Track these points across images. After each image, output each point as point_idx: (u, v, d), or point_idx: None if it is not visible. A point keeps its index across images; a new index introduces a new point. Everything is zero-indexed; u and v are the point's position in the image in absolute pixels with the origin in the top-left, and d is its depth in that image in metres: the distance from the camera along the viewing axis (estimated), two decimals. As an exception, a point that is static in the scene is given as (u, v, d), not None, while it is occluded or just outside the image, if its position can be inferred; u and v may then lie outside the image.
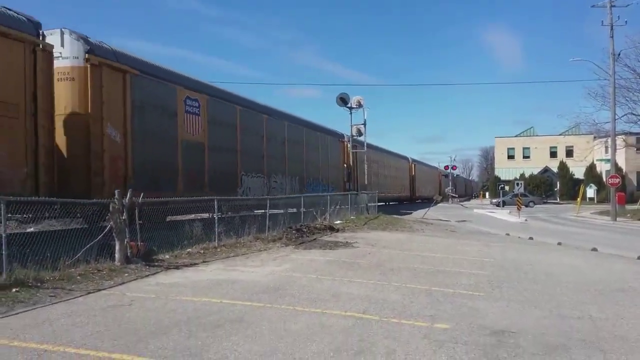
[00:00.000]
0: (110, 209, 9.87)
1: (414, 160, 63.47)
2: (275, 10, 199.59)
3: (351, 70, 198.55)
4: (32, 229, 12.21)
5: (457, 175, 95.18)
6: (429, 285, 8.79)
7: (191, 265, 10.60)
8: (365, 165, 32.42)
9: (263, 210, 17.03)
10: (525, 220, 31.48)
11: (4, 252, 7.75)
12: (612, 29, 31.32)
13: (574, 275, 10.33)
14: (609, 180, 33.12)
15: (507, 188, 56.94)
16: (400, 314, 6.77)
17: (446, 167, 77.26)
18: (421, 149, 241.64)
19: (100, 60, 13.57)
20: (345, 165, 32.56)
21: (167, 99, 16.39)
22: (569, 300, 7.86)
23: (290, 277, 9.35)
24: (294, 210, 20.30)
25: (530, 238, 19.28)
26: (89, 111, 13.24)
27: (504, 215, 36.33)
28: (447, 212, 40.58)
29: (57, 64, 12.86)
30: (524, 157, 78.48)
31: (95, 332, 5.74)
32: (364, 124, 30.72)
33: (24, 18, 11.60)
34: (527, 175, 68.56)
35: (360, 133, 30.88)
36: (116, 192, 10.21)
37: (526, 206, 46.97)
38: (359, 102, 30.01)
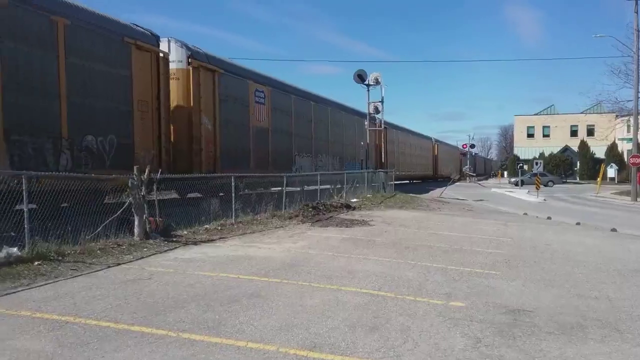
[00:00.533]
0: (130, 184, 9.96)
1: (436, 140, 63.71)
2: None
3: (370, 47, 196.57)
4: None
5: (475, 154, 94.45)
6: (445, 264, 8.79)
7: (209, 241, 10.72)
8: (383, 144, 32.32)
9: (280, 188, 17.12)
10: (544, 199, 31.18)
11: (26, 226, 7.92)
12: (637, 3, 30.45)
13: (593, 255, 10.23)
14: (631, 160, 32.49)
15: (526, 167, 56.21)
16: (416, 292, 6.79)
17: (464, 146, 76.64)
18: (440, 127, 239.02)
19: (198, 63, 16.78)
20: (362, 143, 32.42)
21: (242, 92, 19.47)
22: (586, 280, 7.81)
23: (306, 254, 9.41)
24: (312, 187, 20.48)
25: (549, 218, 19.11)
26: (191, 105, 16.55)
27: (523, 194, 35.97)
28: (464, 191, 40.36)
29: (167, 66, 16.39)
30: (544, 135, 77.25)
31: (115, 305, 5.86)
32: (382, 102, 30.40)
33: (148, 32, 14.99)
34: (546, 154, 67.57)
35: (377, 110, 30.59)
36: (135, 168, 10.31)
37: (545, 186, 46.51)
38: (376, 79, 29.63)
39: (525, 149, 75.33)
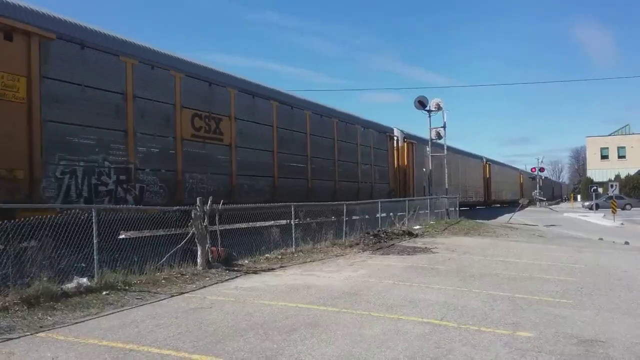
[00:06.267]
0: (193, 215, 10.24)
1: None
2: (353, 18, 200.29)
3: (431, 73, 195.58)
4: (122, 236, 12.92)
5: (545, 177, 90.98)
6: (512, 292, 8.42)
7: (269, 270, 10.79)
8: (446, 169, 31.67)
9: (340, 217, 17.08)
10: (621, 223, 29.55)
11: (95, 257, 8.27)
12: None
13: (676, 283, 9.51)
14: None
15: (600, 190, 53.48)
16: (480, 321, 6.52)
17: (533, 170, 74.04)
18: (506, 151, 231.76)
19: (409, 141, 28.95)
20: (424, 169, 31.99)
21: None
22: (668, 309, 7.25)
23: (366, 283, 9.28)
24: (373, 215, 20.29)
25: (626, 243, 18.05)
26: (406, 164, 28.72)
27: (598, 219, 34.21)
28: (534, 216, 38.82)
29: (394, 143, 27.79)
30: (619, 156, 73.59)
31: (177, 333, 5.97)
32: (444, 127, 29.96)
33: (388, 126, 27.43)
34: (622, 176, 64.15)
35: (439, 136, 30.14)
36: (198, 199, 10.59)
37: (622, 209, 44.17)
38: (438, 105, 29.28)
39: (599, 171, 71.92)
